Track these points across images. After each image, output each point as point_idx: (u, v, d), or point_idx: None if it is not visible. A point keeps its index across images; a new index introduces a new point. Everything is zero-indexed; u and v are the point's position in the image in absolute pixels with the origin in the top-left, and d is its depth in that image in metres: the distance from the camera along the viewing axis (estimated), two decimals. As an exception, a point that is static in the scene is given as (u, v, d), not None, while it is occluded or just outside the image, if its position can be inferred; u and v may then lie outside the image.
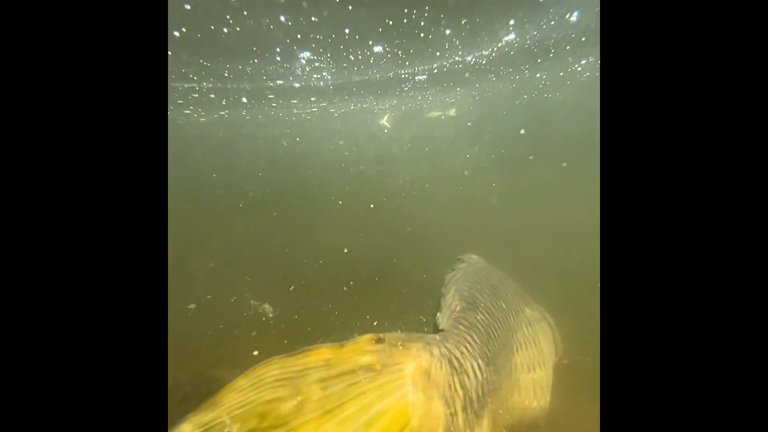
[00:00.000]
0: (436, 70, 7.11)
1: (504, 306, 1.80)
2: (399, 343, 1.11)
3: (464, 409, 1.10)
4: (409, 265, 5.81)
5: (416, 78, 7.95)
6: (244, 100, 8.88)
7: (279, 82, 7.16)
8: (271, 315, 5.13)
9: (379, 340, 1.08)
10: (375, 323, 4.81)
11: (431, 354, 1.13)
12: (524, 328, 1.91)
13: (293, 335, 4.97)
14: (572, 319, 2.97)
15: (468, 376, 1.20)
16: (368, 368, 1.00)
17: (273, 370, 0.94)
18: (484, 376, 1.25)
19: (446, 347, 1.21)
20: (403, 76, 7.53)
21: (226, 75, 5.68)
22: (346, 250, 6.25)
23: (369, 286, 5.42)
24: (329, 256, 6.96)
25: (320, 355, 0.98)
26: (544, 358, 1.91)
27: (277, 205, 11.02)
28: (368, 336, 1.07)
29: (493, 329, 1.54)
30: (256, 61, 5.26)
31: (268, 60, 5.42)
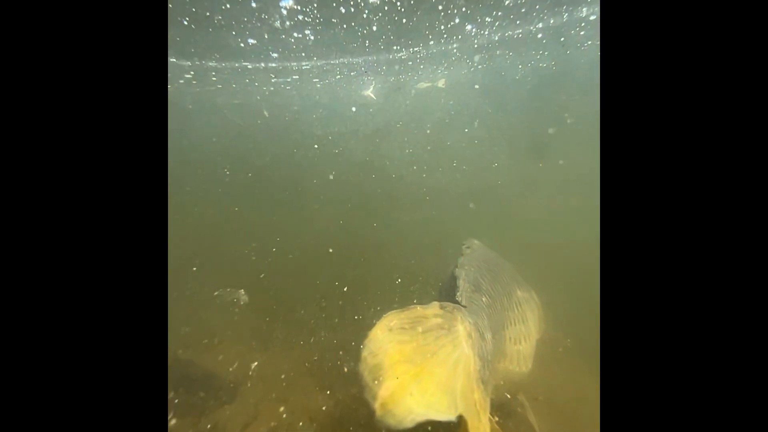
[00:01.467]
0: (437, 27, 6.59)
1: (500, 289, 2.18)
2: (451, 311, 1.52)
3: (487, 365, 1.47)
4: (397, 263, 5.57)
5: (414, 43, 7.39)
6: (213, 63, 8.02)
7: (251, 41, 6.44)
8: (242, 303, 4.91)
9: (443, 307, 1.52)
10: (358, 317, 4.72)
11: (469, 322, 1.52)
12: (515, 308, 2.31)
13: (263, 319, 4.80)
14: (563, 299, 3.27)
15: (486, 342, 1.59)
16: (441, 327, 1.42)
17: (394, 319, 1.40)
18: (490, 345, 1.64)
19: (473, 319, 1.58)
20: (399, 36, 6.97)
21: (186, 23, 4.95)
22: (330, 250, 5.96)
23: (354, 285, 5.12)
24: (308, 250, 6.65)
25: (416, 312, 1.44)
26: (530, 332, 2.34)
27: (252, 190, 10.41)
28: (437, 303, 1.52)
29: (492, 309, 1.92)
30: (228, 6, 4.59)
31: (243, 7, 4.76)
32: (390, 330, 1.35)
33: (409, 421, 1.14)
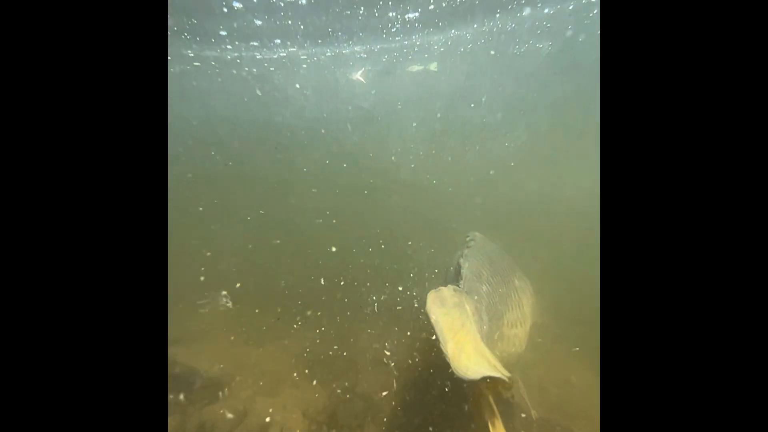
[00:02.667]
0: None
1: (500, 279, 2.52)
2: (459, 294, 1.94)
3: (484, 342, 1.77)
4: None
5: (413, 7, 7.06)
6: (187, 35, 7.63)
7: (236, 4, 6.11)
8: (227, 307, 4.83)
9: (455, 290, 1.93)
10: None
11: (471, 304, 1.91)
12: (512, 295, 2.64)
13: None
14: (556, 288, 3.62)
15: (483, 323, 1.97)
16: (458, 305, 1.81)
17: (435, 297, 1.82)
18: (486, 327, 2.03)
19: (473, 302, 1.96)
20: (393, 11, 6.66)
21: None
22: (334, 249, 5.80)
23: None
24: (298, 240, 6.50)
25: (443, 292, 1.87)
26: (525, 318, 2.69)
27: (232, 184, 10.09)
28: (451, 286, 1.94)
29: (491, 297, 2.29)
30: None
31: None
32: (434, 305, 1.77)
33: (471, 375, 1.45)
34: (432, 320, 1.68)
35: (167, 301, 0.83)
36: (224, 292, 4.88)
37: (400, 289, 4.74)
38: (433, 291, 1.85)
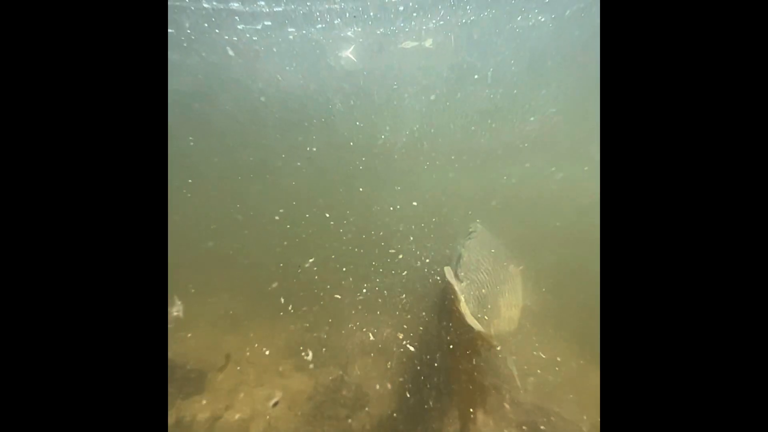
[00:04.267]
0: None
1: (498, 267, 2.94)
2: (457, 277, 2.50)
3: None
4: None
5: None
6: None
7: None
8: (178, 314, 4.73)
9: (455, 273, 2.53)
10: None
11: (461, 288, 2.44)
12: (508, 282, 3.03)
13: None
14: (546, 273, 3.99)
15: (471, 305, 2.42)
16: (457, 283, 2.41)
17: (449, 270, 2.51)
18: (474, 307, 2.45)
19: (465, 287, 2.46)
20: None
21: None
22: (299, 270, 5.64)
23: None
24: (283, 224, 6.38)
25: (449, 272, 2.52)
26: (518, 301, 3.07)
27: (213, 175, 9.76)
28: (450, 269, 2.55)
29: (486, 284, 2.71)
30: None
31: None
32: (450, 276, 2.40)
33: (479, 326, 2.11)
34: (453, 286, 2.27)
35: (167, 298, 0.89)
36: (178, 302, 4.72)
37: (389, 278, 4.74)
38: (446, 267, 2.50)
